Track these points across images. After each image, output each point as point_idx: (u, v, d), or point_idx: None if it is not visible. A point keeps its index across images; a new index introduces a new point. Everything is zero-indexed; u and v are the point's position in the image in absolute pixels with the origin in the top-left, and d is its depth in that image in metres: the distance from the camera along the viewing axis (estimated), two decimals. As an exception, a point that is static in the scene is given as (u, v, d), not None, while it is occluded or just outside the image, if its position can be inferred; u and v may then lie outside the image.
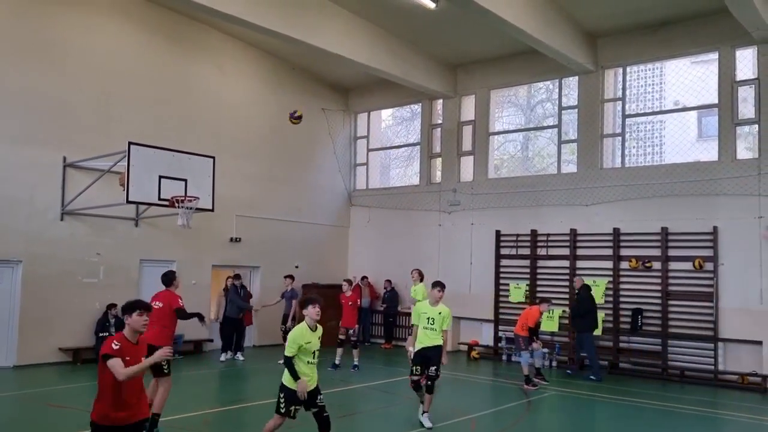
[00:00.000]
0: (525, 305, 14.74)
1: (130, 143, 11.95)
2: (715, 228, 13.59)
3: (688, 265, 13.82)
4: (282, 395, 6.64)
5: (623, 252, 14.74)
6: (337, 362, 13.69)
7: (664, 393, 12.26)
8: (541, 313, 12.90)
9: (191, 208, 12.70)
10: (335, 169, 19.75)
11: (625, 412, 10.66)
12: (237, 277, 15.43)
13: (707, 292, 13.57)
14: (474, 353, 16.35)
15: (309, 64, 18.28)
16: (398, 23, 15.45)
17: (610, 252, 14.87)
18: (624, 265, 14.71)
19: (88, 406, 5.39)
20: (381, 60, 15.68)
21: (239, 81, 17.34)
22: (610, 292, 14.70)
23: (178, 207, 12.54)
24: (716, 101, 13.98)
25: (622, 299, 14.63)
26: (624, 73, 15.58)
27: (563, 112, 16.35)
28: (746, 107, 13.77)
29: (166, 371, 8.10)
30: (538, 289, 15.79)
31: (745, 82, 13.68)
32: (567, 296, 15.17)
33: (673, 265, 14.07)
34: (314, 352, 6.68)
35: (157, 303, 8.32)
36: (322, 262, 18.93)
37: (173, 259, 15.28)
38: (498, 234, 16.66)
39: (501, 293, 16.48)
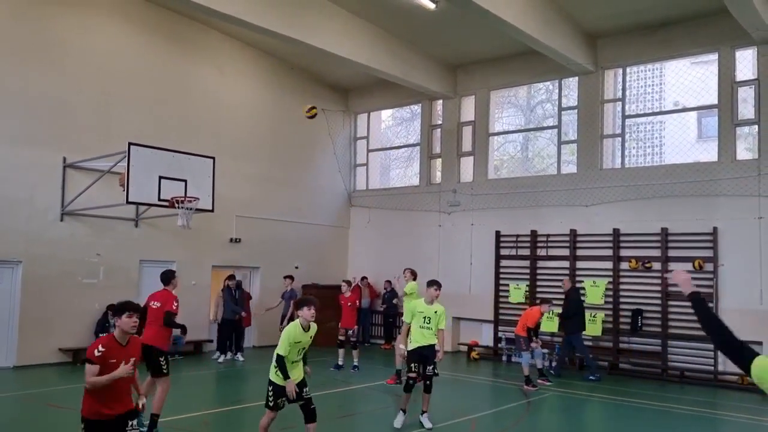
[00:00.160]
0: (525, 306, 14.75)
1: (129, 144, 11.97)
2: (715, 228, 13.59)
3: (688, 266, 13.78)
4: (270, 389, 6.78)
5: (623, 252, 14.74)
6: (340, 363, 13.71)
7: (664, 393, 12.25)
8: (542, 314, 12.90)
9: (191, 209, 12.70)
10: (335, 170, 19.75)
11: (625, 412, 10.65)
12: (231, 278, 15.19)
13: (707, 293, 13.54)
14: (474, 354, 16.34)
15: (309, 64, 18.27)
16: (398, 23, 15.44)
17: (610, 252, 14.87)
18: (624, 265, 14.70)
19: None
20: (381, 60, 15.68)
21: (239, 81, 17.35)
22: (610, 293, 14.70)
23: (178, 207, 12.54)
24: (716, 102, 13.98)
25: (622, 300, 14.62)
26: (624, 74, 15.58)
27: (563, 112, 16.34)
28: (746, 108, 13.77)
29: (165, 371, 8.03)
30: (538, 289, 15.78)
31: (744, 83, 13.68)
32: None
33: (673, 266, 14.02)
34: (299, 351, 6.77)
35: (155, 303, 8.19)
36: (322, 263, 18.93)
37: (173, 259, 15.26)
38: (498, 234, 16.65)
39: (501, 294, 16.48)
